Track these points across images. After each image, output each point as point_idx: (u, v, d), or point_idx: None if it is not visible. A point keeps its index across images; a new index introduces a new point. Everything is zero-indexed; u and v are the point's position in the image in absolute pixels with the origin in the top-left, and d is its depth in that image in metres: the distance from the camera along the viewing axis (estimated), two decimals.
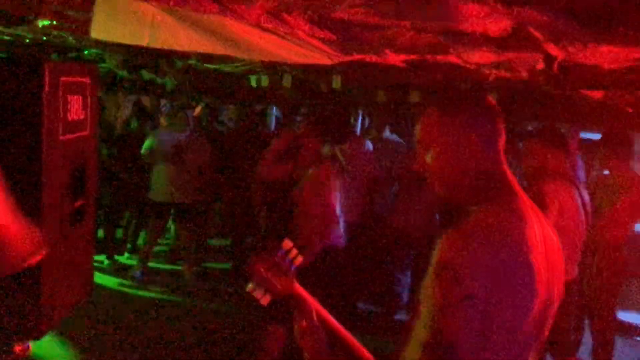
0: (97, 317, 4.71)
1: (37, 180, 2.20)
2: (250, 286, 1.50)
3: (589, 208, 3.36)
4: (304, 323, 1.43)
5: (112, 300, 5.18)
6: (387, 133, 5.75)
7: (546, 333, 1.30)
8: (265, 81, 5.07)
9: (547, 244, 1.29)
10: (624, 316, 4.92)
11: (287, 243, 1.53)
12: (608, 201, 3.85)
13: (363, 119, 7.29)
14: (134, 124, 6.40)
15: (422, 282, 1.30)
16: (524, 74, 2.89)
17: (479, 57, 2.42)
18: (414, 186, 4.93)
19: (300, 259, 1.53)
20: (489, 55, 2.35)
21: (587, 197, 3.38)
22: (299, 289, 1.52)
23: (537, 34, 1.94)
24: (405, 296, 5.40)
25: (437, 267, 1.18)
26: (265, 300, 1.49)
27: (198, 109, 6.32)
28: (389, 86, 5.02)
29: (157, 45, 2.39)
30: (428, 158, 1.35)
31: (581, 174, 5.12)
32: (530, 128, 6.01)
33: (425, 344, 1.15)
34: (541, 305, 1.23)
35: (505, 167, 1.36)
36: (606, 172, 4.20)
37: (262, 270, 1.48)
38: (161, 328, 4.68)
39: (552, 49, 2.11)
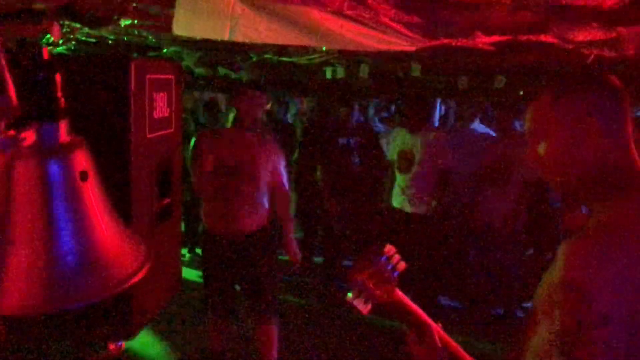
0: (182, 310, 4.81)
1: (126, 179, 2.21)
2: (350, 296, 1.40)
3: None
4: (412, 332, 1.34)
5: (195, 292, 5.29)
6: (475, 124, 5.52)
7: None
8: (341, 72, 4.97)
9: None
10: None
11: (390, 248, 1.42)
12: None
13: (444, 108, 7.05)
14: (204, 120, 6.50)
15: (536, 289, 1.17)
16: (631, 52, 2.62)
17: (584, 34, 2.20)
18: (501, 179, 4.69)
19: (403, 264, 1.42)
20: (596, 32, 2.13)
21: None
22: (400, 296, 1.42)
23: None
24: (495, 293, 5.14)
25: (563, 286, 1.03)
26: (366, 309, 1.40)
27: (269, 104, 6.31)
28: (471, 72, 4.78)
29: (238, 38, 2.35)
30: (541, 150, 1.20)
31: None
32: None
33: None
34: None
35: (635, 156, 1.18)
36: None
37: (364, 278, 1.39)
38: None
39: None
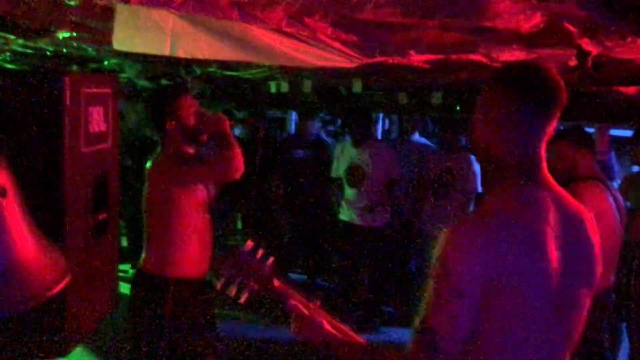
0: (123, 327, 4.69)
1: (59, 195, 2.17)
2: (220, 283, 1.49)
3: (623, 211, 3.22)
4: (296, 315, 1.42)
5: None
6: (415, 136, 5.69)
7: (572, 328, 1.22)
8: (285, 87, 5.03)
9: (570, 239, 1.20)
10: None
11: (249, 244, 1.54)
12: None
13: (386, 122, 7.21)
14: (147, 133, 6.40)
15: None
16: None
17: (508, 54, 2.34)
18: (442, 190, 4.84)
19: (271, 258, 1.53)
20: (518, 53, 2.27)
21: (620, 200, 3.25)
22: (282, 287, 1.51)
23: (571, 28, 1.86)
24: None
25: (435, 261, 1.16)
26: (243, 298, 1.48)
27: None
28: (410, 88, 4.94)
29: (179, 54, 2.37)
30: (477, 130, 1.29)
31: (614, 173, 4.98)
32: (560, 128, 5.85)
33: (413, 331, 1.16)
34: (557, 301, 1.16)
35: (543, 154, 1.27)
36: (636, 168, 4.07)
37: (230, 270, 1.48)
38: None
39: (587, 44, 2.02)
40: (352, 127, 4.96)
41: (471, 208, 4.90)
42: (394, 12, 1.76)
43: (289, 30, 2.47)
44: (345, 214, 5.05)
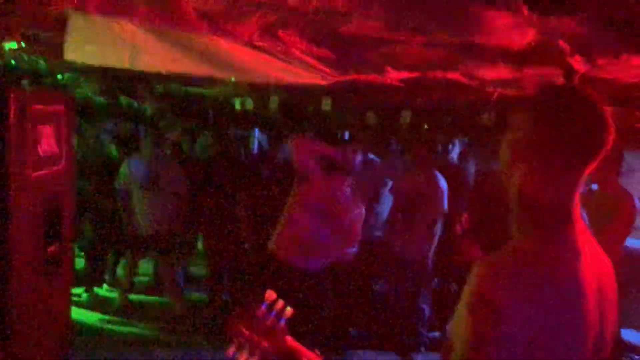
0: (76, 356, 4.38)
1: (4, 227, 1.92)
2: (231, 349, 1.26)
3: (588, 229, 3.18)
4: None
5: (93, 338, 4.85)
6: (370, 155, 5.63)
7: None
8: (250, 104, 4.87)
9: (602, 282, 1.09)
10: (624, 335, 4.78)
11: (271, 294, 1.30)
12: (604, 218, 3.71)
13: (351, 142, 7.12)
14: (113, 152, 6.11)
15: (451, 314, 1.11)
16: (531, 92, 2.74)
17: (494, 73, 2.25)
18: (409, 206, 4.74)
19: (290, 310, 1.30)
20: (504, 71, 2.18)
21: (585, 218, 3.21)
22: (293, 344, 1.30)
23: (564, 46, 1.77)
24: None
25: (472, 299, 1.01)
26: None
27: (175, 135, 6.08)
28: (380, 108, 4.86)
29: (139, 67, 2.18)
30: (514, 179, 1.11)
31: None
32: None
33: None
34: (593, 351, 1.04)
35: (578, 193, 1.12)
36: (594, 186, 4.08)
37: (244, 329, 1.25)
38: None
39: (577, 62, 1.94)
40: None
41: (439, 228, 4.83)
42: (381, 26, 1.62)
43: (260, 44, 2.33)
44: None
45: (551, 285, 1.00)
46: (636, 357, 4.95)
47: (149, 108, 6.07)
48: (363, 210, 3.16)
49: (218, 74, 2.75)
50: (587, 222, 3.11)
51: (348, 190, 3.02)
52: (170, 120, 6.67)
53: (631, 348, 4.89)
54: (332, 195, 2.88)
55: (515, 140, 1.09)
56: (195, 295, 5.91)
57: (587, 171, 1.05)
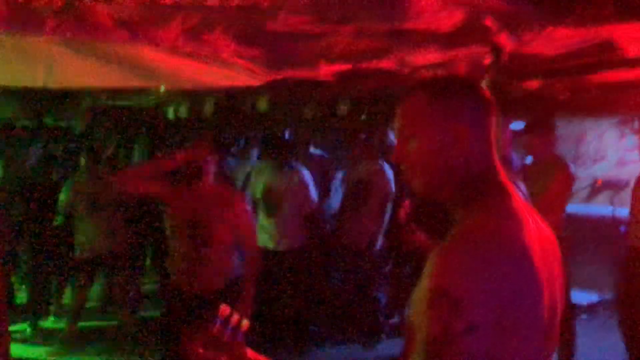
0: None
1: None
2: None
3: (528, 199, 3.29)
4: None
5: None
6: (311, 149, 5.59)
7: (554, 346, 1.13)
8: (184, 111, 4.74)
9: (544, 246, 1.11)
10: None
11: (224, 309, 1.23)
12: (540, 188, 3.83)
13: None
14: (43, 174, 5.81)
15: (407, 303, 1.10)
16: (462, 70, 2.78)
17: (422, 58, 2.25)
18: (357, 196, 4.75)
19: (246, 323, 1.24)
20: (434, 55, 2.19)
21: (524, 189, 3.30)
22: (254, 356, 1.26)
23: (490, 24, 1.78)
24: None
25: (432, 294, 1.00)
26: None
27: (110, 150, 5.86)
28: (316, 101, 4.83)
29: (55, 84, 2.05)
30: (410, 149, 1.15)
31: (515, 167, 5.16)
32: None
33: None
34: (549, 316, 1.07)
35: (498, 162, 1.18)
36: (529, 158, 4.21)
37: (199, 348, 1.19)
38: None
39: (504, 39, 1.96)
40: (271, 151, 4.70)
41: (387, 215, 4.87)
42: (308, 19, 1.58)
43: (186, 50, 2.24)
44: (260, 239, 4.79)
45: (502, 259, 1.01)
46: (583, 315, 5.18)
47: (77, 126, 5.81)
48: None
49: (145, 83, 2.63)
50: (525, 193, 3.20)
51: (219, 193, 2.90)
52: (102, 135, 6.42)
53: (579, 308, 5.10)
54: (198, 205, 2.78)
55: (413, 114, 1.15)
56: (149, 313, 5.74)
57: (493, 142, 1.15)
